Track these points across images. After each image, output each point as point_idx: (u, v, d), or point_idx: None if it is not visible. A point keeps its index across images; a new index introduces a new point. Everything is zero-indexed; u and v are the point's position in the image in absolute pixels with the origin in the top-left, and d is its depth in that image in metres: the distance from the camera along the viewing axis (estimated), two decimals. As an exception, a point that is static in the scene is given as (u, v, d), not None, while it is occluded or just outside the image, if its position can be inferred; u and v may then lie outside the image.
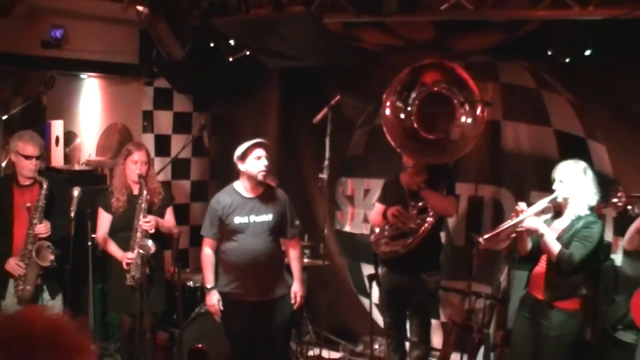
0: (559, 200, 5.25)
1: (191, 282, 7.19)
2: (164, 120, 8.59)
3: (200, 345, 6.37)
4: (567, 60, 6.46)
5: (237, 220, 5.69)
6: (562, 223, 5.29)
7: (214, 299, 5.82)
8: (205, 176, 9.00)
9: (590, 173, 5.26)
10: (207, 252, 5.85)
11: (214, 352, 6.36)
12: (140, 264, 5.90)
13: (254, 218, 5.69)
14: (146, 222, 5.98)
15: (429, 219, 5.95)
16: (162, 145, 8.52)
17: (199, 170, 8.92)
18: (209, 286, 5.85)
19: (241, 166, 5.65)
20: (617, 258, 6.56)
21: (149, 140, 8.26)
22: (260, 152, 5.62)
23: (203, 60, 7.55)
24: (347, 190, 8.25)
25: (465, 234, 7.15)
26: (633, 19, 5.31)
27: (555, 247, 5.09)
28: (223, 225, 5.74)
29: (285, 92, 8.52)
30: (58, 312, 5.01)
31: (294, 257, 6.02)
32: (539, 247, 5.31)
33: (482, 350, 6.51)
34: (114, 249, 6.14)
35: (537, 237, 5.23)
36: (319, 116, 6.11)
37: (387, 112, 5.51)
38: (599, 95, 6.66)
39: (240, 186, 5.76)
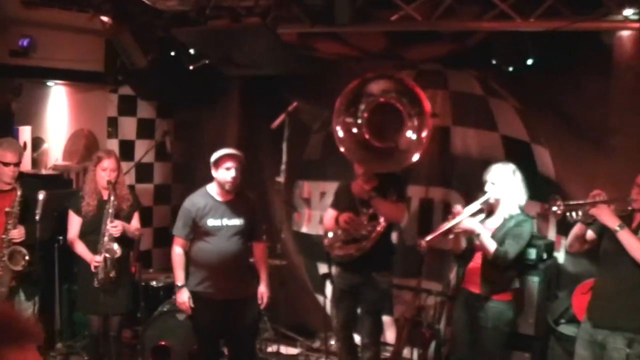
0: (491, 201, 5.45)
1: (154, 282, 7.17)
2: (128, 126, 8.60)
3: (163, 343, 6.41)
4: (510, 69, 6.62)
5: (211, 222, 5.71)
6: (494, 222, 5.49)
7: (184, 297, 5.79)
8: (168, 180, 9.03)
9: (518, 174, 5.46)
10: (178, 252, 5.83)
11: (176, 349, 6.40)
12: (105, 267, 5.94)
13: (226, 221, 5.73)
14: (113, 227, 5.96)
15: (380, 226, 6.00)
16: (127, 150, 8.52)
17: (162, 174, 8.94)
18: (179, 284, 5.83)
19: (214, 172, 5.70)
20: (560, 256, 6.75)
21: (113, 145, 8.26)
22: (231, 163, 5.64)
23: (165, 69, 7.58)
24: (303, 193, 8.32)
25: (416, 233, 7.19)
26: (571, 31, 5.49)
27: (492, 245, 5.29)
28: (196, 227, 5.75)
29: (245, 99, 8.54)
30: (28, 312, 5.11)
31: (261, 259, 6.07)
32: (473, 246, 5.52)
33: (433, 344, 6.67)
34: (82, 250, 6.10)
35: (474, 237, 5.41)
36: (277, 122, 6.17)
37: (340, 134, 5.51)
38: (542, 102, 6.83)
39: (214, 190, 5.79)
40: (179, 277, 5.85)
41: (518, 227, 5.38)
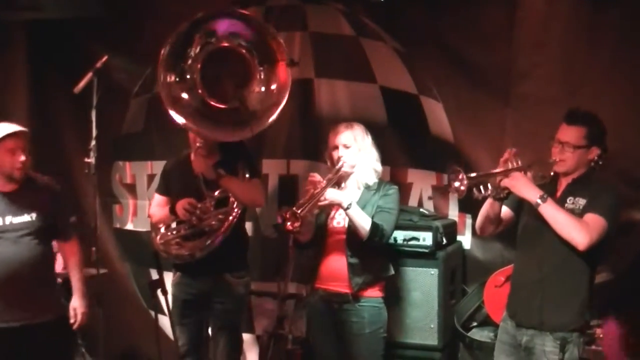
0: (345, 169, 5.45)
1: None
2: None
3: None
4: (383, -1, 6.56)
5: None
6: (349, 195, 5.41)
7: None
8: None
9: (370, 135, 5.58)
10: None
11: None
12: None
13: (11, 219, 5.44)
14: None
15: (233, 212, 5.80)
16: None
17: None
18: None
19: None
20: (465, 240, 6.71)
21: None
22: (13, 143, 5.39)
23: None
24: (125, 178, 8.04)
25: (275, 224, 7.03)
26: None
27: (365, 220, 5.26)
28: None
29: (35, 54, 8.13)
30: None
31: (73, 264, 5.79)
32: (323, 231, 5.51)
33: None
34: None
35: (340, 211, 5.40)
36: (81, 83, 5.81)
37: (167, 95, 5.21)
38: (431, 43, 6.74)
39: None
40: None
41: (385, 196, 5.46)
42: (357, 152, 5.46)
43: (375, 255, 5.44)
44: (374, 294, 5.43)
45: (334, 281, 5.43)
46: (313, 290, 5.59)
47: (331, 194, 5.24)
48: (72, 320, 5.70)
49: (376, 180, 5.50)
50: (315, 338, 5.75)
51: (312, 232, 5.52)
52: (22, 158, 5.41)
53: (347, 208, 5.24)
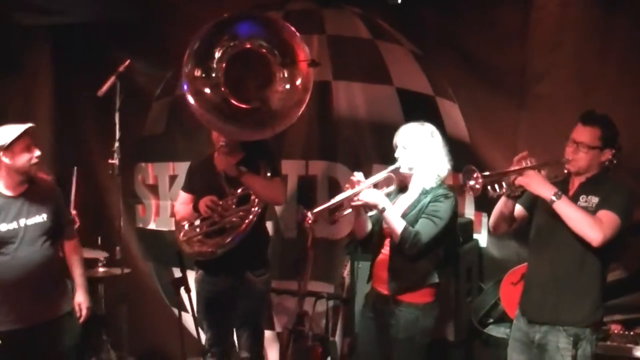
0: (403, 170, 5.16)
1: None
2: None
3: None
4: (399, 1, 6.58)
5: (4, 227, 5.33)
6: (407, 199, 5.21)
7: None
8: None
9: (439, 137, 5.20)
10: None
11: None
12: None
13: (25, 221, 5.40)
14: None
15: (254, 210, 5.78)
16: None
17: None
18: None
19: (4, 159, 5.32)
20: (481, 238, 6.76)
21: None
22: (28, 139, 5.35)
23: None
24: (148, 178, 8.01)
25: (296, 221, 6.93)
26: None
27: (399, 224, 4.96)
28: None
29: (58, 58, 8.20)
30: None
31: (75, 261, 5.79)
32: (381, 230, 5.25)
33: (328, 363, 6.55)
34: None
35: (378, 213, 5.10)
36: (105, 87, 5.83)
37: (191, 95, 5.13)
38: (447, 45, 6.81)
39: (0, 184, 5.43)
40: None
41: (435, 202, 5.05)
42: (415, 153, 5.14)
43: (417, 260, 5.07)
44: (414, 299, 5.11)
45: (379, 282, 5.25)
46: (371, 289, 5.41)
47: (366, 195, 5.01)
48: (77, 315, 5.72)
49: (434, 185, 5.13)
50: (360, 337, 5.53)
51: (364, 230, 5.34)
52: (38, 152, 5.40)
53: (382, 210, 5.00)
